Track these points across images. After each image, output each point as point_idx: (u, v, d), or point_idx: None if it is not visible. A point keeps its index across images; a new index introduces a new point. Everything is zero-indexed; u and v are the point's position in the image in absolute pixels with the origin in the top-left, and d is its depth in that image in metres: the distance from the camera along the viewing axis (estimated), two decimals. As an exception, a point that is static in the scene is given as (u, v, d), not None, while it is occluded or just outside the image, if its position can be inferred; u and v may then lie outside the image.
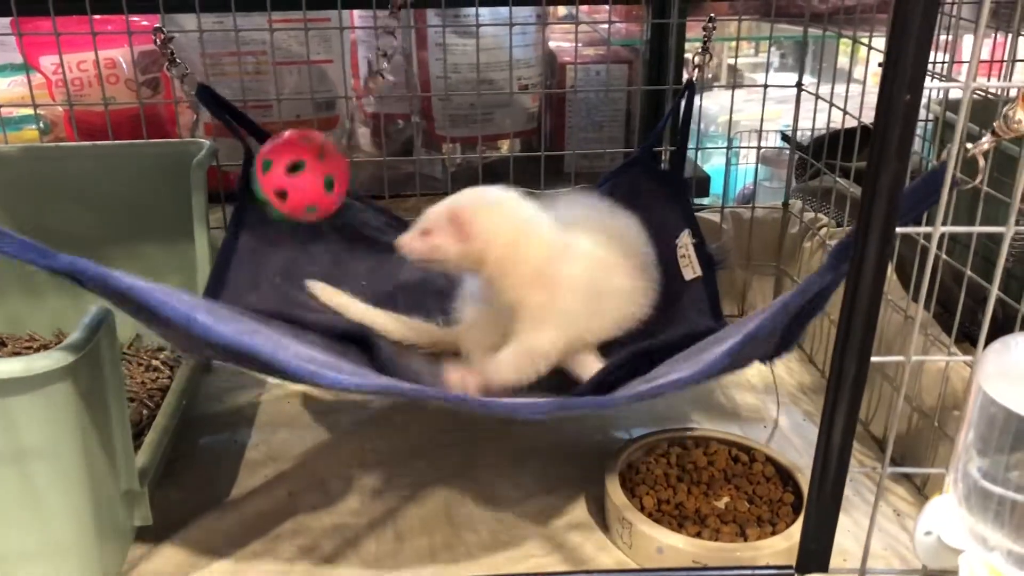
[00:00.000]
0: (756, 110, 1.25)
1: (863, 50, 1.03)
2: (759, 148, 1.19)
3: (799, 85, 1.11)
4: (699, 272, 0.99)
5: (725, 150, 1.17)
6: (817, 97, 1.08)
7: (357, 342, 0.89)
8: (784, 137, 1.40)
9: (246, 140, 0.99)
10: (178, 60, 0.98)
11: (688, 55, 1.37)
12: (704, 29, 1.03)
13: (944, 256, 0.82)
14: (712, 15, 1.03)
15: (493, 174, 1.16)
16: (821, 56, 1.10)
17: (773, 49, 2.41)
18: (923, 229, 0.53)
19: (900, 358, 0.54)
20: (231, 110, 1.00)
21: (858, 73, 2.12)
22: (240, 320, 0.73)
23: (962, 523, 0.53)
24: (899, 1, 0.42)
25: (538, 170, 1.18)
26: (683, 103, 1.04)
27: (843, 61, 2.37)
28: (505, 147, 1.46)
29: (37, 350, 1.03)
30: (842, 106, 1.03)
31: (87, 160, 1.04)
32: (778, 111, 1.98)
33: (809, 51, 1.28)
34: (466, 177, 1.30)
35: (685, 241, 1.00)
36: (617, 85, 1.40)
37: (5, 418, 0.63)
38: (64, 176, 1.03)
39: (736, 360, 0.71)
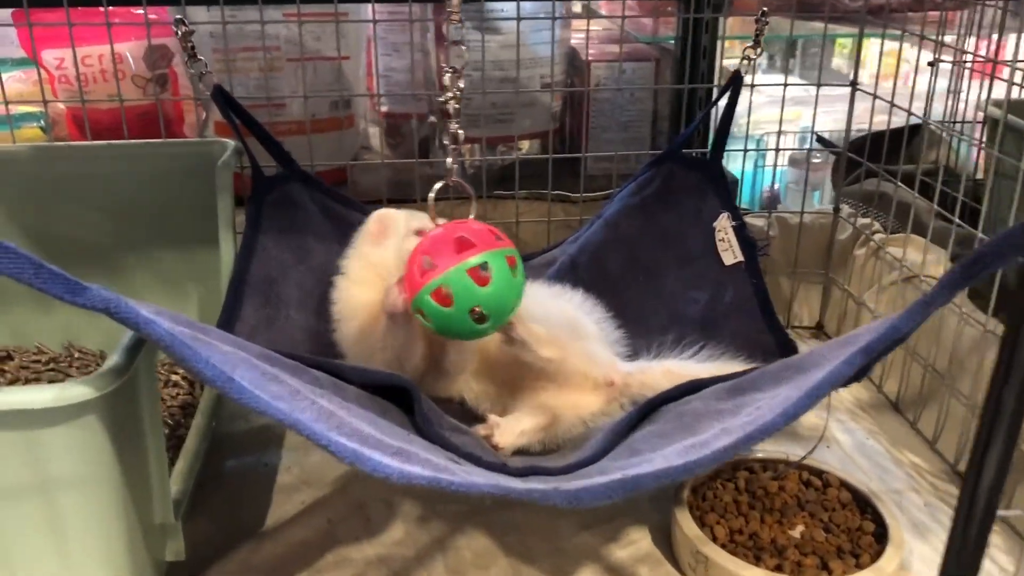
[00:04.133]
0: (771, 111, 1.20)
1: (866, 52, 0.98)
2: (819, 150, 1.14)
3: (854, 84, 1.06)
4: (740, 257, 0.97)
5: (771, 151, 1.12)
6: (875, 97, 1.03)
7: (395, 396, 0.75)
8: (820, 139, 1.35)
9: (248, 147, 0.93)
10: (199, 57, 0.92)
11: (719, 53, 1.32)
12: (756, 22, 0.98)
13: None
14: (765, 8, 0.98)
15: (511, 175, 1.11)
16: (880, 56, 1.05)
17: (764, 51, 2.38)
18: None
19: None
20: (244, 115, 0.94)
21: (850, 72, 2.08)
22: (279, 379, 0.63)
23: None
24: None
25: (559, 171, 1.15)
26: (728, 94, 1.00)
27: (837, 62, 2.34)
28: (526, 147, 1.40)
29: (46, 363, 0.96)
30: (905, 106, 0.98)
31: (99, 161, 0.97)
32: (797, 112, 1.94)
33: (798, 50, 1.23)
34: (486, 178, 1.25)
35: (724, 224, 0.97)
36: (643, 84, 1.35)
37: (33, 451, 0.57)
38: (74, 178, 0.96)
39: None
